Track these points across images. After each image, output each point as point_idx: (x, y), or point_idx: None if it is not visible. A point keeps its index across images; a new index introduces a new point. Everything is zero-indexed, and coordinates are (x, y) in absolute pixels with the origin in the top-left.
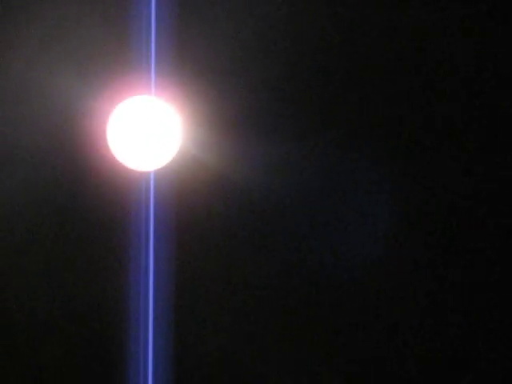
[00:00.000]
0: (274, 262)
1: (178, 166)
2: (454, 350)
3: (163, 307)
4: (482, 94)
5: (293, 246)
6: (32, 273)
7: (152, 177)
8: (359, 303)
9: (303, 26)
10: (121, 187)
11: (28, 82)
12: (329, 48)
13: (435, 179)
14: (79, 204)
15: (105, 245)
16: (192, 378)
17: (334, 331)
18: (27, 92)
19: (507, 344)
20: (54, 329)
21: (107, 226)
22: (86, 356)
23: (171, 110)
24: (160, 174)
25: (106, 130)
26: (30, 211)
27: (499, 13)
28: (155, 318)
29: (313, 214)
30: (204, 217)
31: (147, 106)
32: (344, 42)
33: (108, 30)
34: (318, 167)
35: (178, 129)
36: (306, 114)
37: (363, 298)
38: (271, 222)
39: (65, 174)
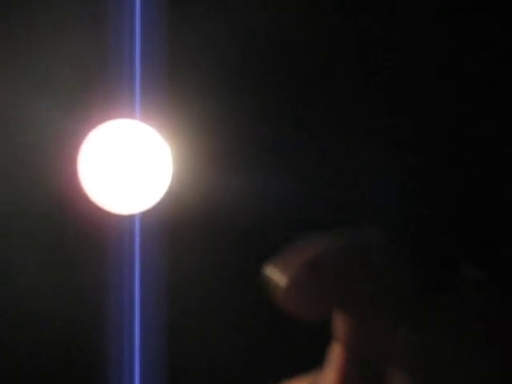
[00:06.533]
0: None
1: (168, 207)
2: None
3: (151, 358)
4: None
5: None
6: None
7: (136, 222)
8: None
9: (308, 46)
10: (99, 235)
11: None
12: (341, 73)
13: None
14: (51, 256)
15: (85, 301)
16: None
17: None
18: None
19: None
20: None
21: (85, 278)
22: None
23: (159, 137)
24: (146, 218)
25: (77, 163)
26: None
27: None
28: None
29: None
30: (199, 268)
31: (129, 133)
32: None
33: (88, 35)
34: (324, 205)
35: (168, 161)
36: (313, 144)
37: None
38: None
39: (28, 218)
